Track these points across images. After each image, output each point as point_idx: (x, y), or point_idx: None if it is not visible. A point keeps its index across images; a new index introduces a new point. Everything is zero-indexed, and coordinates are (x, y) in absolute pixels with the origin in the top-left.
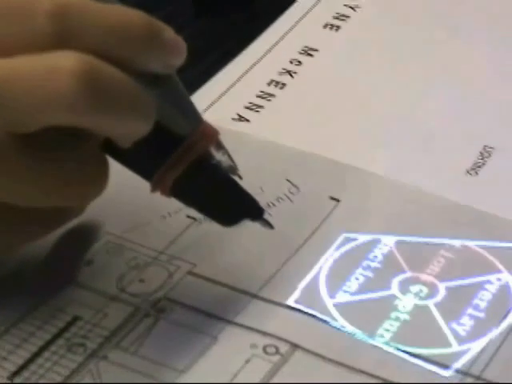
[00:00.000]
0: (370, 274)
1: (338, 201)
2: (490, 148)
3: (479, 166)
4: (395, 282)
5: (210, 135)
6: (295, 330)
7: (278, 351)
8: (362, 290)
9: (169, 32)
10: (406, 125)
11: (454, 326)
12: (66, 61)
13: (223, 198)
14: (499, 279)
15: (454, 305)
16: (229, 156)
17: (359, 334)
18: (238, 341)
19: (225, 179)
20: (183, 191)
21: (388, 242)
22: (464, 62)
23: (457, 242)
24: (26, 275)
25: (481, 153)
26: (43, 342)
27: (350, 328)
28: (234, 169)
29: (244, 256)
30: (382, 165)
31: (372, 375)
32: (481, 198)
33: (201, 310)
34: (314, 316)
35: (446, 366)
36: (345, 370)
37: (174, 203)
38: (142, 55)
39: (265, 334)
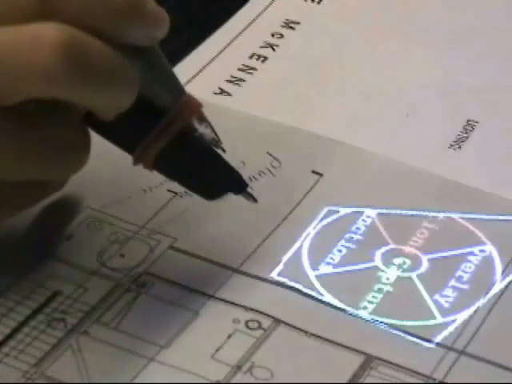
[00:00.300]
0: (352, 246)
1: (320, 175)
2: (474, 122)
3: (462, 141)
4: (378, 254)
5: (193, 107)
6: (278, 304)
7: (260, 326)
8: (344, 262)
9: (151, 3)
10: (389, 98)
11: (438, 297)
12: (48, 32)
13: (206, 170)
14: (483, 251)
15: (438, 277)
16: (212, 129)
17: (342, 307)
18: (220, 316)
19: (208, 152)
20: (166, 164)
21: (371, 214)
22: (447, 35)
23: (440, 214)
24: (5, 250)
25: (464, 127)
26: (23, 318)
27: (332, 300)
28: (217, 142)
29: (226, 230)
30: (364, 139)
31: (356, 350)
32: (464, 172)
33: (182, 285)
34: (296, 290)
35: (429, 338)
36: (328, 345)
37: (155, 177)
38: (125, 27)
39: (247, 308)
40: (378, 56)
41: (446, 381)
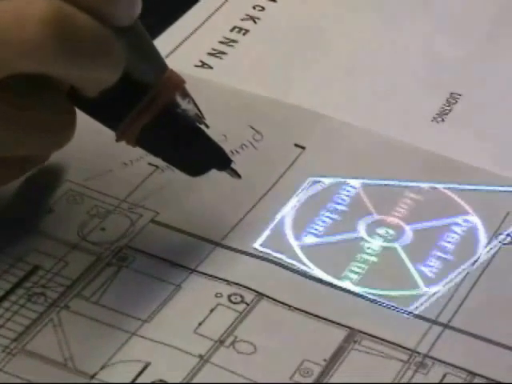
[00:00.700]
0: (336, 216)
1: (303, 148)
2: (457, 95)
3: (446, 113)
4: (362, 225)
5: (176, 83)
6: (261, 278)
7: (243, 300)
8: (328, 232)
9: None
10: (372, 71)
11: (422, 268)
12: (35, 6)
13: (190, 147)
14: (467, 221)
15: (422, 247)
16: (195, 104)
17: (326, 278)
18: (203, 290)
19: (191, 128)
20: (149, 141)
21: (355, 184)
22: (429, 7)
23: (424, 185)
24: None
25: (447, 99)
26: (3, 292)
27: (316, 270)
28: (200, 117)
29: (208, 203)
30: (347, 112)
31: (339, 324)
32: (447, 144)
33: (164, 259)
34: (279, 262)
35: (412, 309)
36: (311, 319)
37: (136, 150)
38: (110, 6)
39: (230, 282)
40: (360, 29)
41: (430, 354)
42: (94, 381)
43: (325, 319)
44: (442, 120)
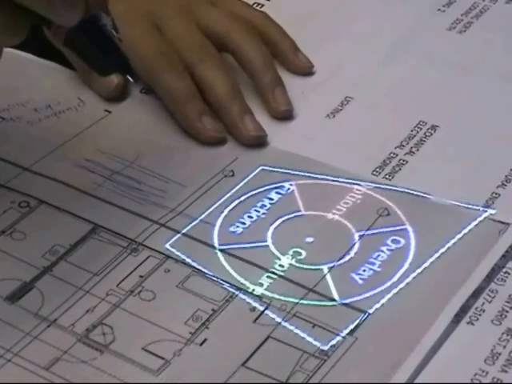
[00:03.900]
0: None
1: None
2: (350, 98)
3: (338, 112)
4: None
5: (102, 2)
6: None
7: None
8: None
9: None
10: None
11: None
12: None
13: (104, 51)
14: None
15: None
16: (113, 22)
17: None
18: None
19: (107, 37)
20: (74, 42)
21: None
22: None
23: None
24: None
25: (341, 101)
26: None
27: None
28: (116, 32)
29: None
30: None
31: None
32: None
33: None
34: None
35: None
36: None
37: None
38: None
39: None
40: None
41: None
42: None
43: None
44: (334, 116)
